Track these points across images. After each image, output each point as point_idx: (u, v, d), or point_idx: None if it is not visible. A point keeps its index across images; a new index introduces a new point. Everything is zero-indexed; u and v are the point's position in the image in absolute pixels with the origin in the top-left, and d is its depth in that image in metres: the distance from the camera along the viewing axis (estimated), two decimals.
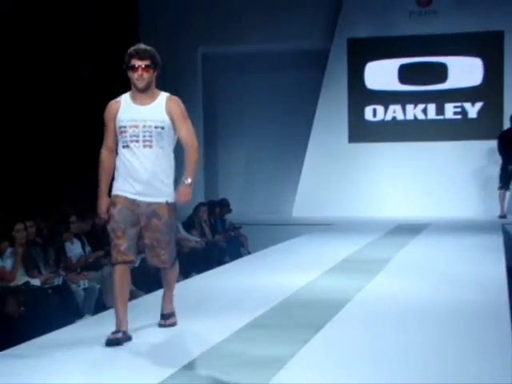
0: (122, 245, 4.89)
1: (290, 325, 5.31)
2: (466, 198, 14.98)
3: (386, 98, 15.72)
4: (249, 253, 12.42)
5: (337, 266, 8.28)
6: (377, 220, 14.02)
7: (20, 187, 12.70)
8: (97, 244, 9.31)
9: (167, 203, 4.95)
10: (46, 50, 13.24)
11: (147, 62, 4.86)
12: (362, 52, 15.77)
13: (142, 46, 4.92)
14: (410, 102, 15.49)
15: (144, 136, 4.83)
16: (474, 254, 9.04)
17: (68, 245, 8.92)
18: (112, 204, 4.91)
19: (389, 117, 15.79)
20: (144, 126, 4.83)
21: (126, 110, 4.88)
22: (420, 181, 15.26)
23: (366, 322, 5.38)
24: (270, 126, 16.84)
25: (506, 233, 12.29)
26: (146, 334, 5.14)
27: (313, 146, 15.85)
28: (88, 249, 9.21)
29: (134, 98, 4.92)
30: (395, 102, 15.66)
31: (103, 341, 4.77)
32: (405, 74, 15.58)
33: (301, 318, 5.56)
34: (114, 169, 4.93)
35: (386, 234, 11.78)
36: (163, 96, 4.97)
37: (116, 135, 4.92)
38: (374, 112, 15.84)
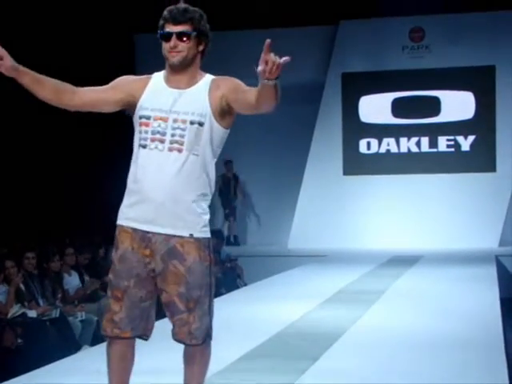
0: (118, 313, 3.36)
1: (286, 356, 5.30)
2: (459, 230, 15.02)
3: (379, 131, 15.78)
4: (245, 284, 12.38)
5: (332, 298, 8.27)
6: (371, 251, 14.00)
7: (20, 219, 12.74)
8: (96, 276, 9.27)
9: (194, 237, 3.29)
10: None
11: (185, 28, 3.33)
12: (356, 86, 15.86)
13: (183, 5, 3.38)
14: (404, 135, 15.56)
15: (173, 135, 3.29)
16: (467, 285, 9.04)
17: (65, 276, 8.91)
18: (115, 242, 3.38)
19: (383, 149, 15.84)
20: (175, 121, 3.30)
21: (154, 94, 3.37)
22: (414, 213, 15.28)
23: (361, 352, 5.37)
24: (264, 159, 16.83)
25: (499, 264, 12.29)
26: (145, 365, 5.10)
27: (308, 178, 15.90)
28: (87, 280, 9.17)
29: (167, 80, 3.40)
30: (389, 135, 15.69)
31: (101, 373, 4.75)
32: (398, 108, 15.67)
33: (297, 348, 5.55)
34: (57, 92, 3.37)
35: (380, 265, 11.76)
36: (208, 78, 3.45)
37: (103, 105, 3.43)
38: (369, 145, 15.85)
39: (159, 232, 3.26)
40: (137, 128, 3.36)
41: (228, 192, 15.84)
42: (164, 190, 3.23)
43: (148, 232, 3.28)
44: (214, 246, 13.08)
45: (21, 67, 3.26)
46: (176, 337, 3.35)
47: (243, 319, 7.02)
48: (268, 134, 16.69)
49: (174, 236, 3.26)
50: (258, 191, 16.90)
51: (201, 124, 3.31)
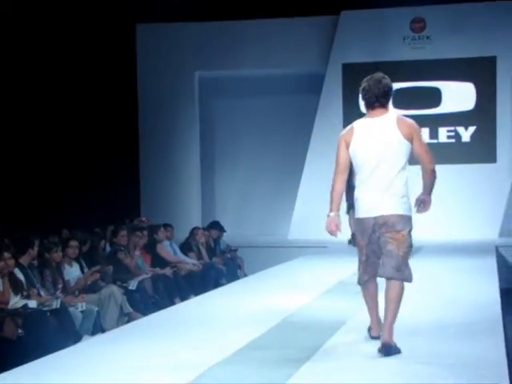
0: None
1: (286, 346, 5.29)
2: (459, 220, 15.01)
3: None
4: (245, 275, 12.38)
5: (333, 289, 8.25)
6: None
7: (19, 209, 12.80)
8: (95, 265, 9.27)
9: None
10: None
11: None
12: (357, 76, 15.59)
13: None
14: None
15: None
16: (467, 276, 8.97)
17: (66, 267, 8.90)
18: None
19: None
20: None
21: None
22: (413, 203, 15.26)
23: (362, 344, 5.34)
24: (266, 149, 16.88)
25: (499, 254, 12.26)
26: (148, 357, 5.09)
27: (308, 168, 15.85)
28: (86, 271, 9.17)
29: None
30: None
31: (101, 363, 4.77)
32: (399, 98, 15.45)
33: (297, 340, 5.53)
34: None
35: None
36: None
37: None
38: None
39: None
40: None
41: None
42: None
43: None
44: (214, 237, 13.03)
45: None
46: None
47: (244, 310, 7.01)
48: (270, 124, 16.78)
49: None
50: (258, 181, 16.97)
51: None
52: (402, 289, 5.04)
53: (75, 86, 14.22)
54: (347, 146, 5.18)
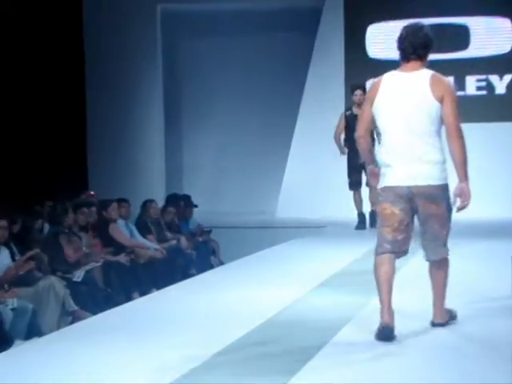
0: None
1: (274, 353, 5.29)
2: (491, 194, 14.99)
3: (391, 69, 15.62)
4: (221, 263, 12.37)
5: (332, 280, 8.22)
6: None
7: None
8: (29, 250, 9.16)
9: None
10: None
11: None
12: (363, 12, 15.82)
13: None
14: None
15: None
16: (496, 262, 8.85)
17: None
18: None
19: None
20: None
21: None
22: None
23: (367, 345, 5.36)
24: (247, 104, 16.93)
25: None
26: (96, 368, 5.07)
27: (301, 130, 15.85)
28: (19, 258, 9.12)
29: None
30: None
31: (37, 374, 4.74)
32: None
33: (287, 343, 5.53)
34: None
35: None
36: None
37: None
38: None
39: None
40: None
41: None
42: None
43: None
44: (181, 214, 12.94)
45: None
46: None
47: (219, 307, 6.99)
48: (252, 72, 16.90)
49: None
50: (238, 146, 17.05)
51: None
52: (448, 267, 5.83)
53: (14, 28, 14.43)
54: (371, 103, 5.63)
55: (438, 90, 5.44)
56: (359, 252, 9.91)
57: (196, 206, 13.35)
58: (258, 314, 6.47)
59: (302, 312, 6.64)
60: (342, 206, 14.57)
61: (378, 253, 5.57)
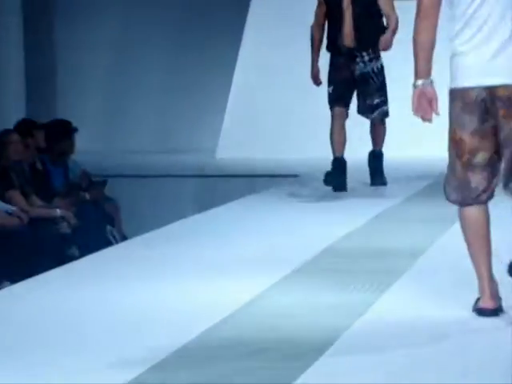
0: None
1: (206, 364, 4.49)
2: None
3: None
4: (124, 237, 10.71)
5: (309, 266, 7.19)
6: (388, 165, 11.43)
7: None
8: None
9: None
10: None
11: None
12: None
13: None
14: None
15: None
16: None
17: None
18: None
19: None
20: None
21: None
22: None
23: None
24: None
25: None
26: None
27: (246, 46, 15.18)
28: None
29: None
30: None
31: None
32: None
33: (229, 373, 4.44)
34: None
35: (408, 196, 10.27)
36: None
37: None
38: None
39: None
40: None
41: None
42: None
43: None
44: (54, 153, 11.80)
45: None
46: None
47: (118, 311, 5.85)
48: None
49: None
50: (152, 52, 16.14)
51: None
52: None
53: None
54: None
55: None
56: (355, 219, 8.85)
57: (76, 130, 11.05)
58: (182, 324, 5.32)
59: (258, 319, 5.56)
60: (316, 143, 12.97)
61: (450, 201, 5.27)
